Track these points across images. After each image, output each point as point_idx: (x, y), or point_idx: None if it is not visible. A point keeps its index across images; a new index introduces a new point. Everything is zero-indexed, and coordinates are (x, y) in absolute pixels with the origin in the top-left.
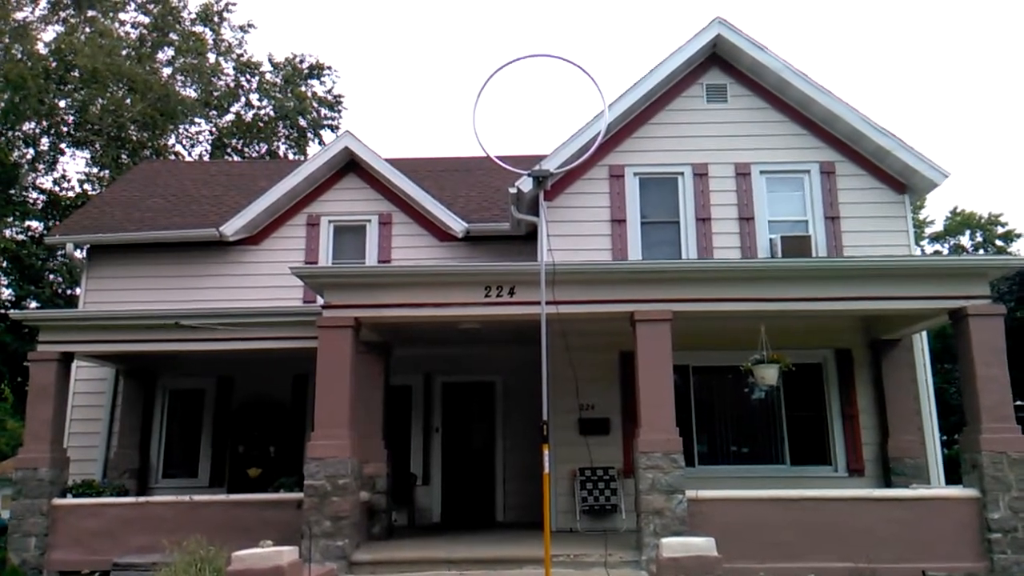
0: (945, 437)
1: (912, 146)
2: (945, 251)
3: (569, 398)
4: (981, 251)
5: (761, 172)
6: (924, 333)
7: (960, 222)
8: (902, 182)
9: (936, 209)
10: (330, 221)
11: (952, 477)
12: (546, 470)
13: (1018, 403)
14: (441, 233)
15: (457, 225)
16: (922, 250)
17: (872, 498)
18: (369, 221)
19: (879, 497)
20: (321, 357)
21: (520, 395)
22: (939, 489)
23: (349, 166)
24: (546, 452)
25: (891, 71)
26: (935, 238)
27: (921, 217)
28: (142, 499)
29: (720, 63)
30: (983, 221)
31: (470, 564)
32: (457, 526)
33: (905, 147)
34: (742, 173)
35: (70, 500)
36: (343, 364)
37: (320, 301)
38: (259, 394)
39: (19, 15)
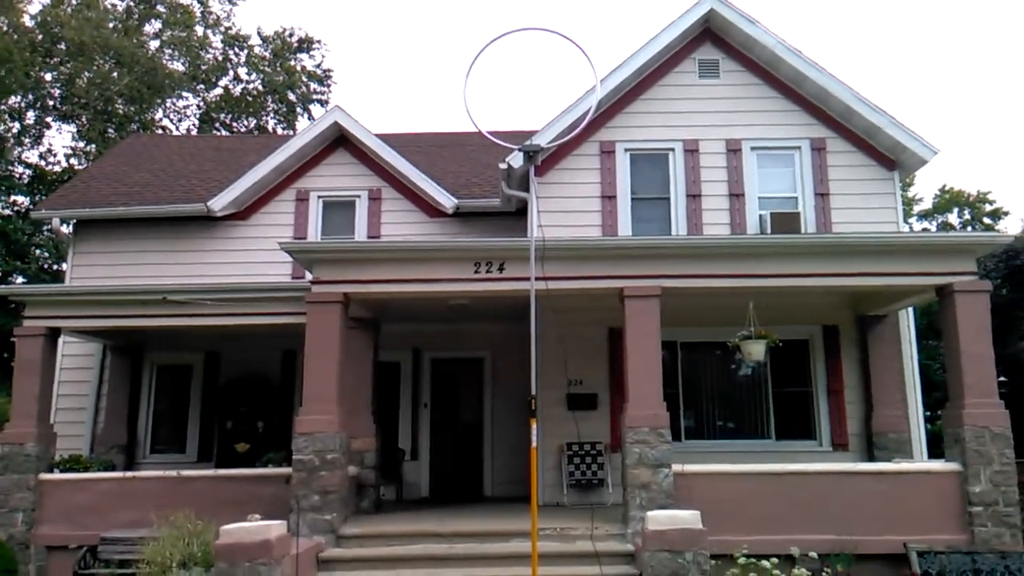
0: (929, 413)
1: (903, 123)
2: (933, 228)
3: (558, 374)
4: (969, 228)
5: (752, 148)
6: (910, 310)
7: (948, 200)
8: (892, 159)
9: (925, 187)
10: (319, 197)
11: (935, 452)
12: (534, 444)
13: (1001, 379)
14: (431, 209)
15: (447, 201)
16: (910, 227)
17: (856, 472)
18: (358, 197)
19: (862, 471)
20: (310, 332)
21: (509, 371)
22: (922, 463)
23: (339, 141)
24: (534, 427)
25: (880, 48)
26: (924, 215)
27: (910, 195)
28: (129, 474)
29: (713, 38)
30: (971, 199)
31: (458, 537)
32: (445, 500)
33: (896, 124)
34: (733, 149)
35: (57, 475)
36: (332, 340)
37: (309, 277)
38: (247, 370)
39: None
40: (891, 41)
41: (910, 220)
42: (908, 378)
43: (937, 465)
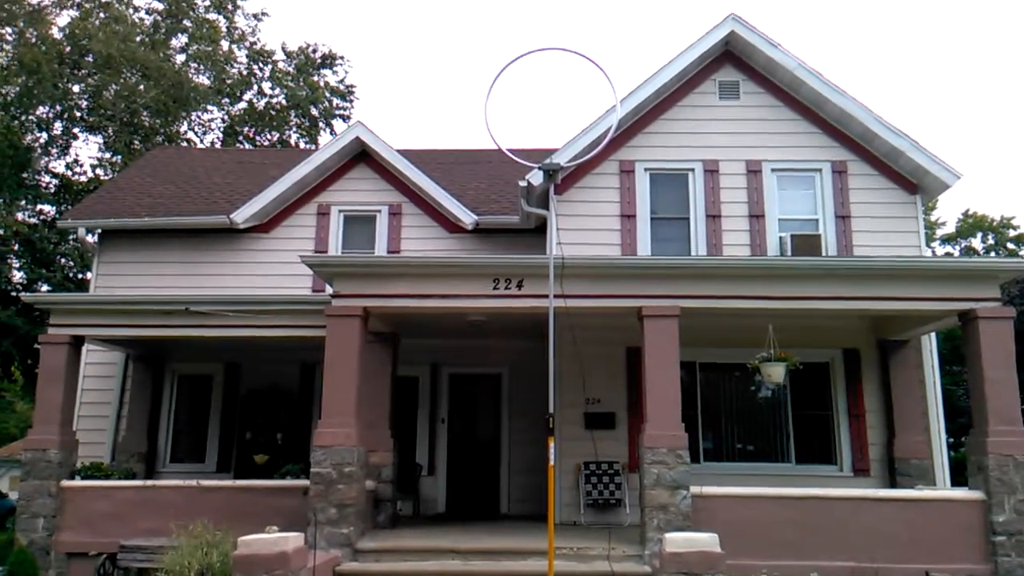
0: (952, 439)
1: (925, 147)
2: (956, 253)
3: (575, 392)
4: (992, 254)
5: (772, 170)
6: (933, 334)
7: (972, 224)
8: (914, 183)
9: (948, 211)
10: (340, 211)
11: (958, 479)
12: (551, 463)
13: None
14: (451, 225)
15: (467, 217)
16: (933, 252)
17: (877, 498)
18: (379, 211)
19: (884, 497)
20: (329, 345)
21: (526, 388)
22: (944, 491)
23: (360, 156)
24: (551, 445)
25: (903, 72)
26: (946, 240)
27: (932, 219)
28: (150, 483)
29: (733, 60)
30: (995, 224)
31: (474, 554)
32: (462, 517)
33: (918, 148)
34: (753, 171)
35: (79, 482)
36: (351, 353)
37: (329, 290)
38: (267, 381)
39: None
40: (914, 65)
41: (932, 244)
42: (931, 404)
43: (960, 493)
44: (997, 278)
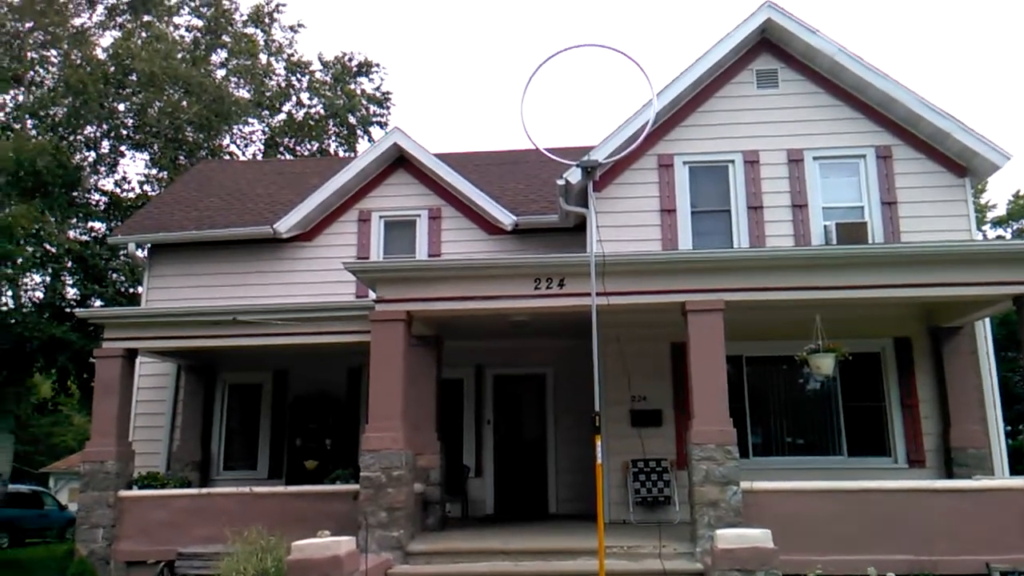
0: (1009, 427)
1: (972, 128)
2: (1008, 236)
3: (620, 390)
4: None
5: (814, 158)
6: (987, 320)
7: (1023, 206)
8: (962, 165)
9: (998, 193)
10: (380, 216)
11: (1017, 468)
12: (599, 461)
13: None
14: (490, 226)
15: (506, 218)
16: (984, 235)
17: (933, 489)
18: (419, 216)
19: (941, 488)
20: (374, 350)
21: (571, 387)
22: (1003, 480)
23: (398, 162)
24: (598, 443)
25: (945, 52)
26: (997, 223)
27: (983, 201)
28: (205, 491)
29: (770, 48)
30: None
31: (524, 555)
32: (510, 518)
33: (965, 129)
34: (794, 159)
35: (136, 492)
36: (396, 357)
37: (372, 295)
38: (314, 388)
39: (77, 21)
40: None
41: (983, 228)
42: (987, 391)
43: (1020, 482)
44: None
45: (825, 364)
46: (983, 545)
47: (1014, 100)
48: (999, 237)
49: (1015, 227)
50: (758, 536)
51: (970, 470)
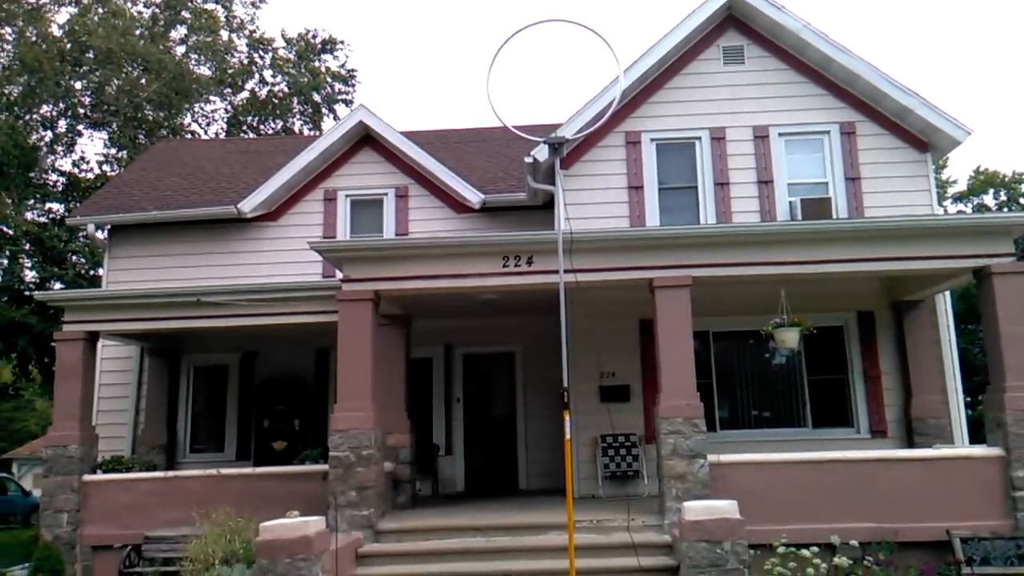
0: (969, 398)
1: (934, 104)
2: (969, 210)
3: (589, 366)
4: (1005, 210)
5: (780, 134)
6: (947, 294)
7: (983, 181)
8: (924, 141)
9: (959, 168)
10: (347, 196)
11: (976, 438)
12: (567, 437)
13: None
14: (458, 205)
15: (474, 196)
16: (945, 209)
17: (895, 458)
18: (386, 195)
19: (902, 457)
20: (342, 330)
21: (540, 364)
22: (963, 449)
23: (364, 140)
24: (567, 419)
25: (909, 28)
26: (958, 197)
27: (944, 177)
28: (171, 473)
29: (737, 24)
30: (1007, 180)
31: (495, 530)
32: (481, 494)
33: (927, 105)
34: (760, 136)
35: (101, 476)
36: (364, 337)
37: (339, 275)
38: (282, 369)
39: None
40: (920, 19)
41: (944, 202)
42: (947, 363)
43: (979, 450)
44: (1011, 233)
45: (790, 338)
46: (943, 512)
47: (974, 75)
48: (960, 212)
49: (975, 202)
50: (725, 507)
51: (931, 440)
